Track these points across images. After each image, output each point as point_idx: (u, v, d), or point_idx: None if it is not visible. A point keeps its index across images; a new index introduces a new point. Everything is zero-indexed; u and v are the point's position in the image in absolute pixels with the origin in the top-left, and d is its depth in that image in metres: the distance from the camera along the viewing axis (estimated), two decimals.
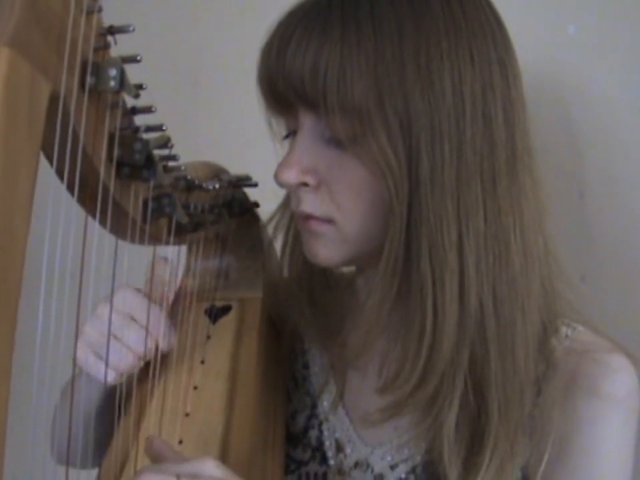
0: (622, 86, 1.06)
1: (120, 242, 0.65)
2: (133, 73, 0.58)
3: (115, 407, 0.75)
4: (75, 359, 0.74)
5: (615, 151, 1.07)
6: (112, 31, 0.58)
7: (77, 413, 0.74)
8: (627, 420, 0.73)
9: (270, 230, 0.84)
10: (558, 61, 1.09)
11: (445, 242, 0.66)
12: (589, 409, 0.72)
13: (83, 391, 0.78)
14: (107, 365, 0.73)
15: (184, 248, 0.85)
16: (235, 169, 0.87)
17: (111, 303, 0.71)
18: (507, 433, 0.69)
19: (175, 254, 0.79)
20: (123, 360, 0.75)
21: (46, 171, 0.52)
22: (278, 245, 0.85)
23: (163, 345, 0.75)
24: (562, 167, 1.09)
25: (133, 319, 0.75)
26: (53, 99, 0.50)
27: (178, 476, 0.59)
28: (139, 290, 0.76)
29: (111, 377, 0.74)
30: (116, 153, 0.60)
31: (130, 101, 0.62)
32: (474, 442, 0.70)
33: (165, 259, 0.76)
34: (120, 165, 0.61)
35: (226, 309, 0.87)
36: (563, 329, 0.76)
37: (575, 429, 0.72)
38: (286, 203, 0.80)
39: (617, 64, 1.06)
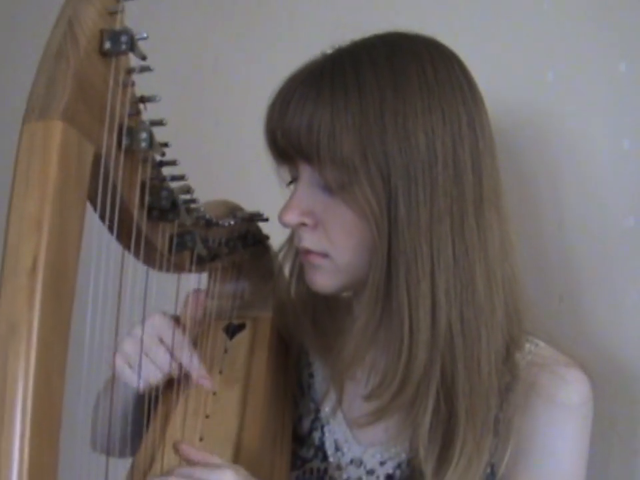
0: (597, 128, 1.15)
1: (150, 270, 0.78)
2: (162, 112, 0.69)
3: (146, 404, 0.85)
4: (113, 367, 0.86)
5: (590, 182, 1.16)
6: (142, 100, 0.70)
7: (115, 410, 0.87)
8: (580, 425, 0.84)
9: (280, 259, 0.96)
10: (538, 104, 1.19)
11: (419, 272, 0.78)
12: (546, 414, 0.83)
13: (120, 393, 0.89)
14: (139, 376, 0.85)
15: (204, 275, 0.98)
16: (250, 206, 0.99)
17: (143, 325, 0.83)
18: (473, 434, 0.81)
19: (197, 280, 0.91)
20: (151, 374, 0.86)
21: (91, 215, 0.63)
22: (286, 271, 0.97)
23: (185, 365, 0.87)
24: (542, 197, 1.19)
25: (161, 340, 0.86)
26: (96, 158, 0.61)
27: None
28: (168, 316, 0.87)
29: (141, 386, 0.86)
30: (147, 199, 0.72)
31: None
32: (445, 441, 0.81)
33: (200, 290, 0.87)
34: (150, 209, 0.74)
35: (241, 326, 0.98)
36: (527, 345, 0.87)
37: (534, 431, 0.83)
38: (292, 237, 0.92)
39: (593, 108, 1.16)
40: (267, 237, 1.02)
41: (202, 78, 1.45)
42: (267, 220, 0.99)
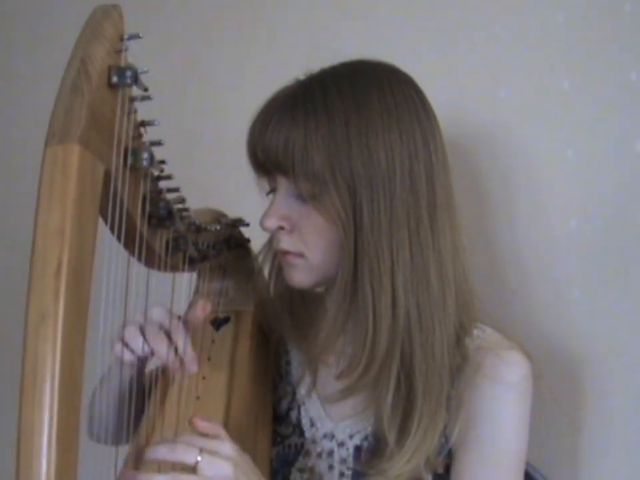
0: (544, 139, 1.27)
1: (150, 271, 0.89)
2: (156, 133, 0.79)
3: (141, 392, 0.94)
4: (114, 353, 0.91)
5: (538, 188, 1.28)
6: (143, 124, 0.79)
7: (111, 399, 0.95)
8: (519, 399, 0.95)
9: (260, 259, 1.07)
10: (492, 118, 1.31)
11: (381, 269, 0.89)
12: (491, 391, 0.94)
13: (117, 381, 0.94)
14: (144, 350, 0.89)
15: (194, 274, 1.09)
16: (233, 212, 1.10)
17: (145, 314, 0.90)
18: (429, 408, 0.92)
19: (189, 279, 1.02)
20: (140, 347, 0.89)
21: (101, 225, 0.73)
22: (266, 270, 1.08)
23: (181, 351, 0.91)
24: (495, 202, 1.31)
25: (160, 326, 0.90)
26: (106, 175, 0.70)
27: (201, 449, 0.81)
28: (166, 308, 0.94)
29: (128, 358, 0.89)
30: (147, 209, 0.82)
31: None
32: (405, 414, 0.93)
33: (204, 301, 0.94)
34: (150, 218, 0.84)
35: (226, 319, 1.09)
36: (475, 332, 0.98)
37: (481, 405, 0.94)
38: (271, 241, 1.03)
39: (540, 121, 1.27)
40: (248, 240, 1.13)
41: (189, 97, 1.56)
42: (248, 225, 1.11)
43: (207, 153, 1.52)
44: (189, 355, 0.89)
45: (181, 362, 0.89)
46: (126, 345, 0.89)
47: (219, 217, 1.06)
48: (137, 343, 0.88)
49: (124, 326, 0.88)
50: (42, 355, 0.62)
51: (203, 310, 0.92)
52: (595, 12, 1.23)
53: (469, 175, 1.31)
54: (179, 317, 0.93)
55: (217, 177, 1.46)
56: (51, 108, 0.67)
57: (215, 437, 0.85)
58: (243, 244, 1.13)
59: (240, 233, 1.13)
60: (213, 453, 0.81)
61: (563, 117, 1.26)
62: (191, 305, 1.07)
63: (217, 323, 1.09)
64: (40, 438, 0.61)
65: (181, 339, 0.89)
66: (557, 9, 1.25)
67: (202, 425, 0.86)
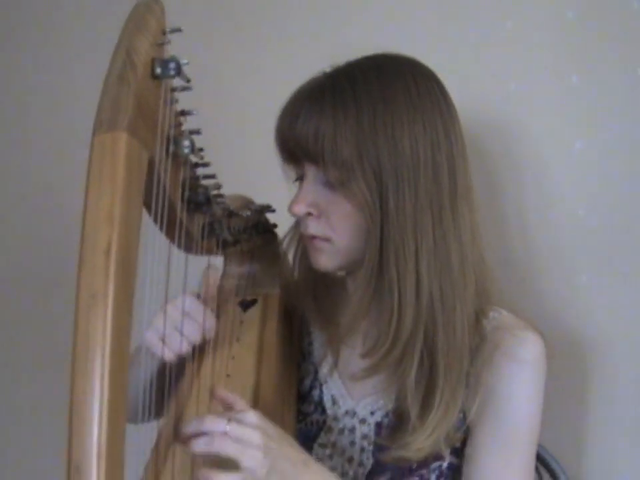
0: (553, 131, 1.32)
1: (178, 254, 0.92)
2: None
3: (164, 376, 0.96)
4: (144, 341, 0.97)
5: (547, 178, 1.33)
6: (183, 113, 0.83)
7: (140, 380, 0.97)
8: (535, 376, 0.99)
9: (284, 244, 1.12)
10: (502, 111, 1.36)
11: (405, 254, 0.94)
12: (507, 368, 0.98)
13: (146, 364, 0.99)
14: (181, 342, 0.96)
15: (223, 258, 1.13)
16: (260, 199, 1.15)
17: (180, 300, 0.97)
18: (450, 384, 0.96)
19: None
20: (179, 345, 0.96)
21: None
22: (291, 255, 1.12)
23: (208, 335, 1.00)
24: (506, 192, 1.35)
25: (189, 315, 0.97)
26: (151, 163, 0.73)
27: (229, 419, 0.85)
28: (196, 295, 1.00)
29: (169, 357, 0.97)
30: (186, 195, 0.86)
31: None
32: (428, 391, 0.97)
33: (215, 266, 1.01)
34: (188, 203, 0.88)
35: (253, 302, 1.13)
36: (492, 314, 1.02)
37: (498, 382, 0.98)
38: (296, 226, 1.08)
39: (550, 114, 1.32)
40: (275, 226, 1.18)
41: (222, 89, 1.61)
42: (274, 211, 1.15)
43: (234, 143, 1.56)
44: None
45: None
46: (164, 341, 0.94)
47: (248, 203, 1.10)
48: (176, 340, 0.94)
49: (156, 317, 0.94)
50: (93, 333, 0.65)
51: (212, 280, 0.98)
52: (603, 9, 1.28)
53: (480, 166, 1.35)
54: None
55: (242, 166, 1.50)
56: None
57: (241, 408, 0.89)
58: (270, 229, 1.17)
59: (267, 219, 1.17)
60: (239, 421, 0.85)
61: (572, 110, 1.31)
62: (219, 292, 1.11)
63: (245, 305, 1.13)
64: (91, 409, 0.64)
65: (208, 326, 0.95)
66: (567, 7, 1.30)
67: (221, 393, 0.90)
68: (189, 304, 0.98)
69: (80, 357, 0.65)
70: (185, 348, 0.98)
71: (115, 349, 0.66)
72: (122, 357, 0.68)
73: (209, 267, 1.01)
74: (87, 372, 0.64)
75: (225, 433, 0.84)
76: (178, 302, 0.98)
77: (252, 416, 0.87)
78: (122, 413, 0.68)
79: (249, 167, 1.50)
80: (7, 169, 1.94)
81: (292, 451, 0.89)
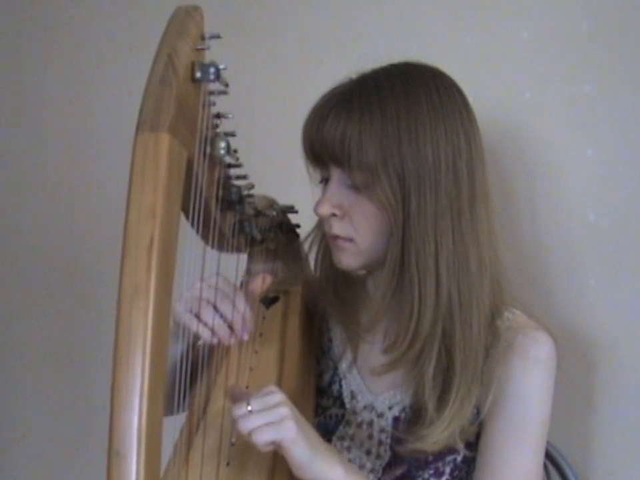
0: (565, 138, 1.35)
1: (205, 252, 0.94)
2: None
3: (192, 363, 0.96)
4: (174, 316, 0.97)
5: (559, 183, 1.36)
6: (219, 115, 0.86)
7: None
8: (546, 374, 1.03)
9: (307, 244, 1.15)
10: (517, 119, 1.39)
11: (426, 254, 0.97)
12: (520, 366, 1.02)
13: (172, 350, 0.97)
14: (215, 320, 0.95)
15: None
16: (283, 200, 1.19)
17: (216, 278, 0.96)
18: (466, 380, 1.00)
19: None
20: (216, 321, 0.94)
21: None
22: (312, 254, 1.16)
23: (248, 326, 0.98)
24: (518, 196, 1.39)
25: (225, 294, 0.96)
26: (189, 163, 0.76)
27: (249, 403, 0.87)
28: (226, 278, 1.00)
29: (206, 335, 0.95)
30: (220, 194, 0.90)
31: None
32: (444, 386, 1.01)
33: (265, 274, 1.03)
34: (222, 202, 0.91)
35: (275, 299, 1.17)
36: (506, 313, 1.06)
37: (510, 380, 1.01)
38: (319, 226, 1.11)
39: (562, 121, 1.36)
40: (297, 226, 1.22)
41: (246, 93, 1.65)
42: (297, 212, 1.19)
43: (258, 146, 1.61)
44: (248, 320, 0.96)
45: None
46: (199, 318, 0.96)
47: (272, 203, 1.14)
48: (210, 315, 0.95)
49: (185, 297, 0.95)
50: (135, 324, 0.67)
51: (263, 282, 0.99)
52: (616, 21, 1.31)
53: (494, 171, 1.38)
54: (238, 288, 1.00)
55: (273, 168, 1.55)
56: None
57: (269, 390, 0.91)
58: (293, 229, 1.21)
59: (289, 219, 1.21)
60: (265, 394, 0.88)
61: (583, 118, 1.35)
62: (242, 284, 1.15)
63: (267, 302, 1.17)
64: (132, 398, 0.67)
65: (241, 306, 0.96)
66: (582, 18, 1.33)
67: (234, 392, 0.92)
68: (222, 282, 0.98)
69: (122, 348, 0.68)
70: (218, 324, 0.96)
71: (155, 341, 0.68)
72: (161, 349, 0.70)
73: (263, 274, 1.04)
74: (129, 362, 0.67)
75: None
76: (211, 279, 0.97)
77: (276, 394, 0.89)
78: (160, 401, 0.70)
79: (270, 169, 1.54)
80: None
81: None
